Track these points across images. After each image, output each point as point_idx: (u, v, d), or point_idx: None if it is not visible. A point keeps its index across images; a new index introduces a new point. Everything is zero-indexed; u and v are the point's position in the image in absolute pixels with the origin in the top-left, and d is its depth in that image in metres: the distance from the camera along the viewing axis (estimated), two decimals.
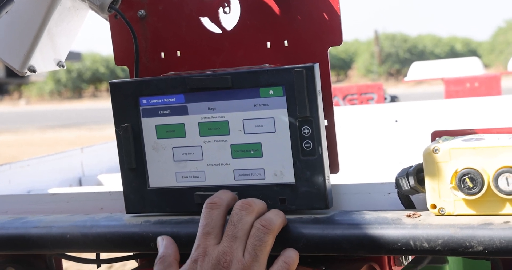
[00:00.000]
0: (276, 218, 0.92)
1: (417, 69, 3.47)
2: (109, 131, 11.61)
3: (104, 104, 22.61)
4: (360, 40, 35.26)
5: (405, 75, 3.52)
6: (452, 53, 30.66)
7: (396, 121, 1.90)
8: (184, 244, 0.97)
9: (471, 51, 31.12)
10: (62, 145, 10.11)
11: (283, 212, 0.95)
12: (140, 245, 1.01)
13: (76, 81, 30.40)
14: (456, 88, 3.01)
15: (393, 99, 2.96)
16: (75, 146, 1.85)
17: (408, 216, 0.91)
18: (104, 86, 31.11)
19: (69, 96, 30.45)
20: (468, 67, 3.32)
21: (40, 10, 1.08)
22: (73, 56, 26.25)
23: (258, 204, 0.94)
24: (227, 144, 1.00)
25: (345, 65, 32.86)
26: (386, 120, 1.90)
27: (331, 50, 1.02)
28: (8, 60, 1.11)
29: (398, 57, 30.79)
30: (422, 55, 30.47)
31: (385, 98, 2.69)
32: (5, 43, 1.10)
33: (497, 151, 0.86)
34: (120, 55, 1.12)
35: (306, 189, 0.97)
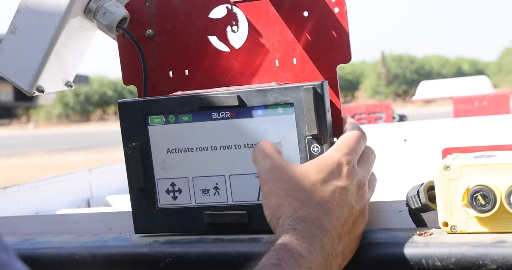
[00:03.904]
0: None
1: (426, 88, 3.46)
2: (117, 154, 11.61)
3: (111, 127, 22.65)
4: (366, 61, 35.26)
5: (413, 96, 3.51)
6: (459, 74, 30.60)
7: (405, 140, 1.89)
8: (193, 265, 0.96)
9: (478, 72, 31.06)
10: (70, 168, 10.11)
11: None
12: (149, 266, 1.00)
13: (83, 105, 30.48)
14: (465, 107, 3.00)
15: (402, 118, 2.94)
16: (83, 169, 1.85)
17: (420, 234, 0.90)
18: (112, 109, 31.18)
19: (77, 119, 30.52)
20: (477, 86, 3.31)
21: (48, 30, 1.08)
22: (81, 79, 26.38)
23: None
24: (236, 163, 0.99)
25: (352, 87, 32.85)
26: (395, 139, 1.89)
27: (338, 71, 1.01)
28: (16, 80, 1.11)
29: (405, 78, 30.77)
30: (429, 75, 30.44)
31: (394, 118, 2.68)
32: (13, 64, 1.10)
33: (509, 168, 0.85)
34: (128, 74, 1.11)
35: None
